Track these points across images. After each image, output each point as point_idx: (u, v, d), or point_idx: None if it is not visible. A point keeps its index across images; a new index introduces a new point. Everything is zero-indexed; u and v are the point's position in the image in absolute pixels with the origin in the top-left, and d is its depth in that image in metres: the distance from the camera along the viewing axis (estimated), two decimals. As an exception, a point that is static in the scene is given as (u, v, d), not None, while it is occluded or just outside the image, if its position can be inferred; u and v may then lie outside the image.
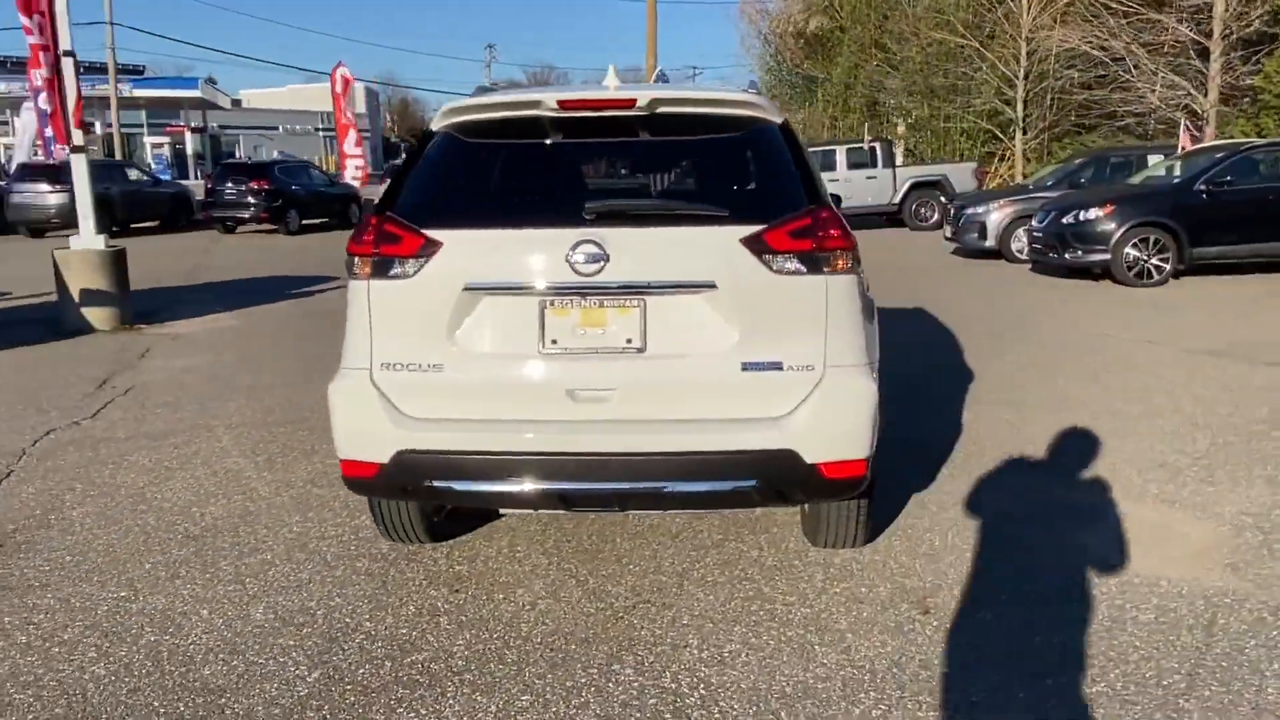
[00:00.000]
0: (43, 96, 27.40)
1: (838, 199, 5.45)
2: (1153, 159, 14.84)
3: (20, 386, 7.47)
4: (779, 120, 3.46)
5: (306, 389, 6.92)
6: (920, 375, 7.21)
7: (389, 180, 3.70)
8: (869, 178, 20.80)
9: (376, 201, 3.50)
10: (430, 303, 3.23)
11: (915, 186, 20.87)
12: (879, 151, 21.03)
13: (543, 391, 3.20)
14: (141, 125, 56.16)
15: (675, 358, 3.19)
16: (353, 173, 27.76)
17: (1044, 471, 4.97)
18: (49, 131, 27.56)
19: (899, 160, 26.82)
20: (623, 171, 3.45)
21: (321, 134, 60.15)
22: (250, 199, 23.07)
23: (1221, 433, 5.50)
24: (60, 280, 10.17)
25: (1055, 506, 4.46)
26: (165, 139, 54.63)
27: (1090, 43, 19.81)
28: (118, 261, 10.36)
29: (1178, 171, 13.17)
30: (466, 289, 3.20)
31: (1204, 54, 18.82)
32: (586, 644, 3.28)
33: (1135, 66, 19.44)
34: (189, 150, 54.15)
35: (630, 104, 3.32)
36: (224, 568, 3.97)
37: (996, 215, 14.72)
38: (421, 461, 3.23)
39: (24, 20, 9.62)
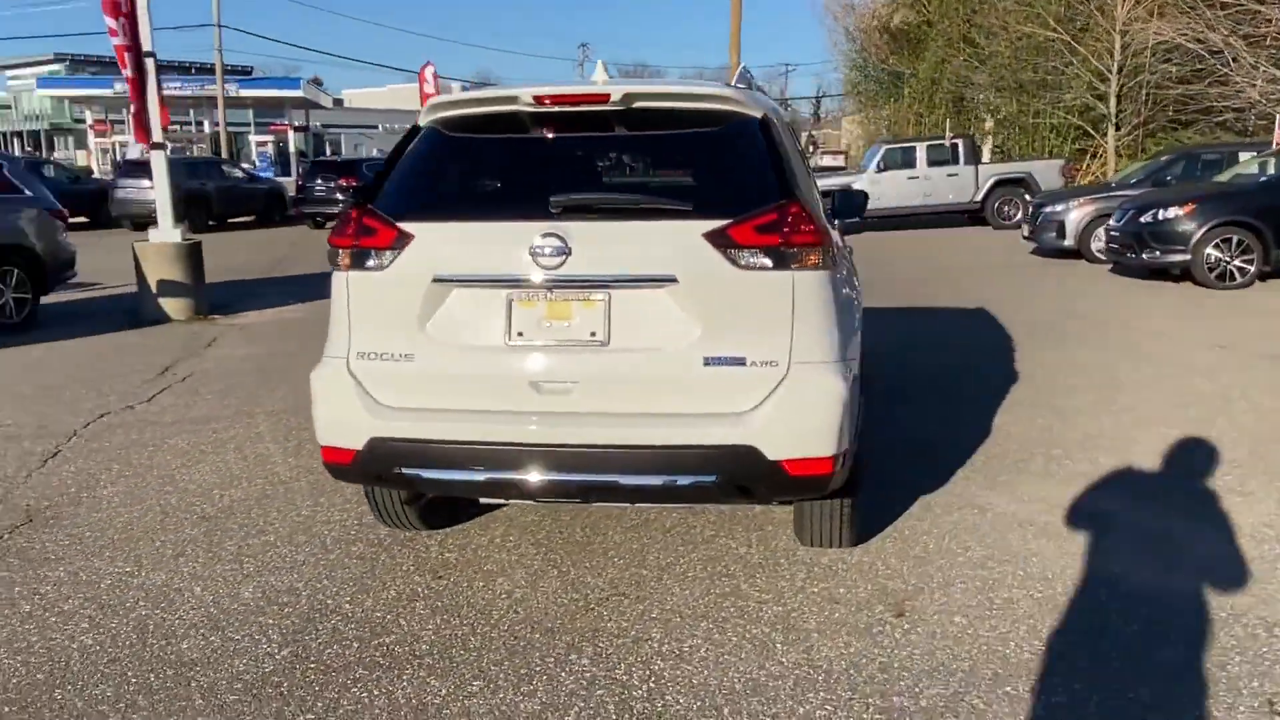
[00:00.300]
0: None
1: (862, 195, 5.39)
2: (1244, 156, 14.15)
3: (90, 371, 7.85)
4: (758, 115, 3.43)
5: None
6: (960, 376, 7.05)
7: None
8: (950, 175, 20.33)
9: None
10: (403, 294, 3.31)
11: (999, 184, 20.31)
12: (961, 148, 20.53)
13: (508, 383, 3.24)
14: (249, 124, 58.38)
15: (638, 351, 3.20)
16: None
17: (1063, 477, 4.82)
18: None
19: (986, 157, 26.20)
20: (597, 166, 3.46)
21: (418, 132, 61.34)
22: (338, 195, 23.78)
23: (1267, 443, 5.25)
24: (139, 272, 10.64)
25: (1064, 513, 4.33)
26: (269, 137, 56.56)
27: (1187, 35, 18.98)
28: (193, 254, 10.79)
29: (1271, 169, 12.56)
30: (436, 280, 3.27)
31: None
32: (551, 633, 3.31)
33: (1234, 60, 18.56)
34: (291, 148, 55.95)
35: (604, 99, 3.33)
36: (228, 547, 4.12)
37: (1076, 214, 14.24)
38: (393, 449, 3.31)
39: (109, 22, 10.07)
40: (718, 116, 3.42)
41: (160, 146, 10.77)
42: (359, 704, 2.90)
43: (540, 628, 3.36)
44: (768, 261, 3.15)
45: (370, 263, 3.35)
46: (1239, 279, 11.06)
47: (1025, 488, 4.67)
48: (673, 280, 3.15)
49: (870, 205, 23.03)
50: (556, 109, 3.40)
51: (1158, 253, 11.48)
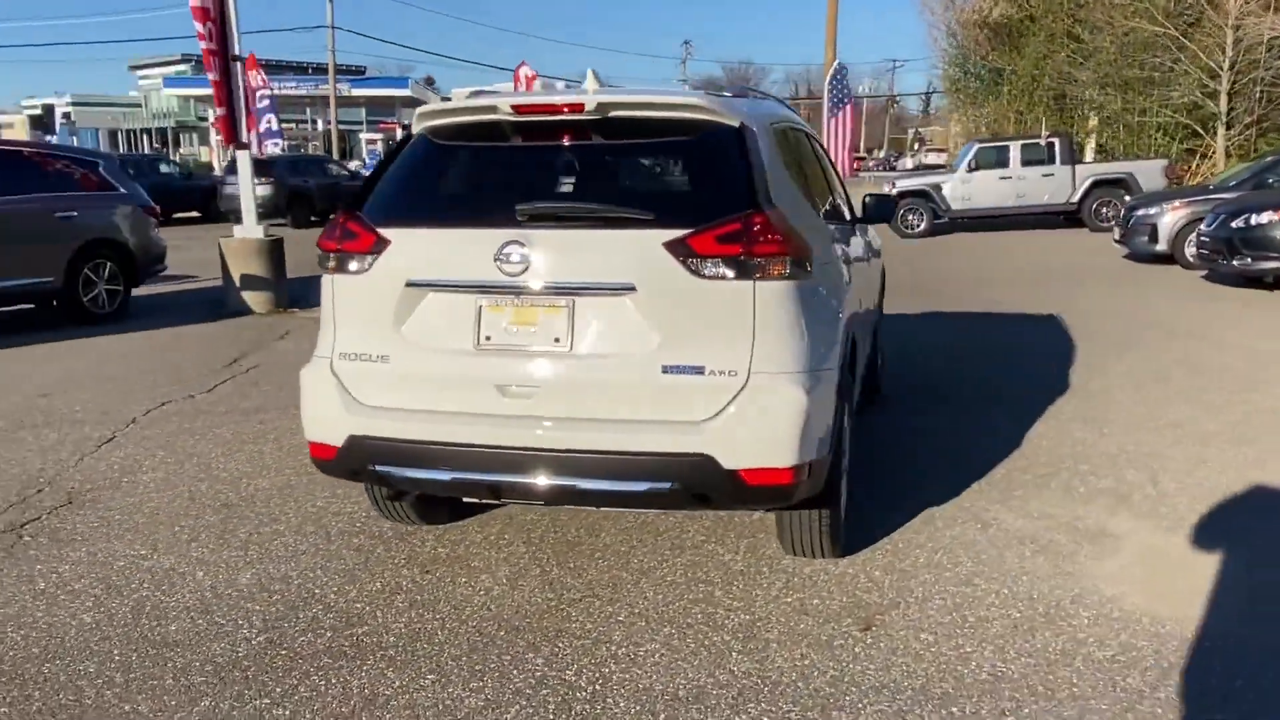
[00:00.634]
0: (260, 95, 29.60)
1: (892, 199, 5.32)
2: (1357, 157, 13.37)
3: (165, 361, 8.27)
4: (734, 124, 3.43)
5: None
6: (1008, 384, 6.87)
7: None
8: (1045, 175, 19.69)
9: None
10: (380, 297, 3.42)
11: (1097, 185, 19.57)
12: (1058, 147, 19.85)
13: (476, 386, 3.32)
14: (360, 122, 60.36)
15: (599, 358, 3.24)
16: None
17: (1084, 494, 4.67)
18: (269, 125, 29.75)
19: (1089, 157, 25.28)
20: (570, 175, 3.52)
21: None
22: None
23: (1312, 464, 4.99)
24: (224, 266, 11.15)
25: (1070, 532, 4.20)
26: (379, 135, 58.28)
27: (1305, 29, 18.00)
28: (275, 250, 11.25)
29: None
30: (409, 285, 3.37)
31: None
32: (515, 631, 3.39)
33: (1356, 55, 17.53)
34: (399, 145, 57.41)
35: (579, 108, 3.39)
36: (239, 534, 4.32)
37: (1169, 217, 13.65)
38: (368, 446, 3.43)
39: (197, 26, 10.55)
40: (691, 126, 3.43)
41: (244, 146, 11.25)
42: (315, 691, 3.02)
43: (507, 625, 3.43)
44: (729, 271, 3.16)
45: (352, 266, 3.48)
46: (1337, 289, 10.47)
47: (1039, 504, 4.55)
48: (631, 289, 3.18)
49: (960, 206, 22.57)
50: (533, 118, 3.47)
51: (1249, 259, 10.94)
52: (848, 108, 24.05)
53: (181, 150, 64.85)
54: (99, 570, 3.96)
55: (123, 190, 10.84)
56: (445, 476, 3.34)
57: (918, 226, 19.93)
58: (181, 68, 66.79)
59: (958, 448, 5.42)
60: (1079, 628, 3.35)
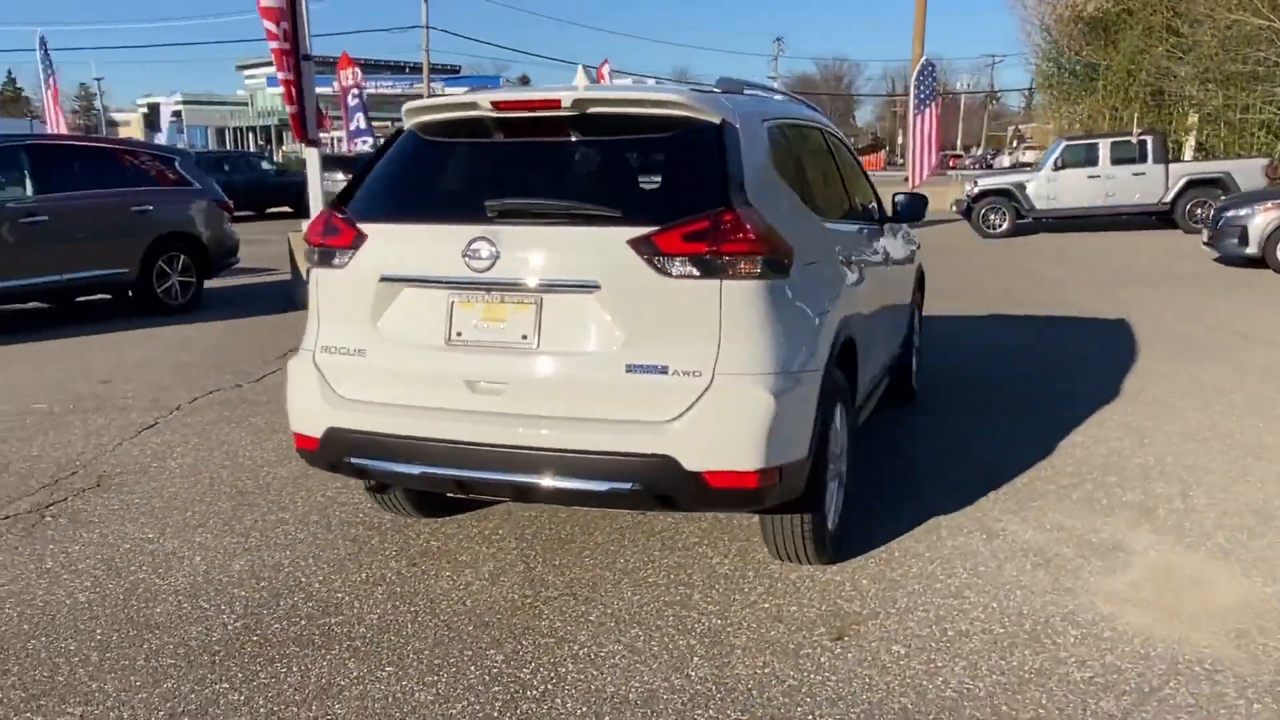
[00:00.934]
0: (352, 94, 30.22)
1: (923, 199, 5.19)
2: None
3: (224, 351, 8.54)
4: (715, 120, 3.36)
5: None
6: (1054, 390, 6.62)
7: None
8: (1136, 174, 18.92)
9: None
10: (358, 291, 3.46)
11: (1191, 184, 18.73)
12: (1150, 144, 19.06)
13: (446, 381, 3.33)
14: (453, 120, 61.25)
15: (565, 355, 3.22)
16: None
17: (1105, 506, 4.46)
18: (358, 123, 30.37)
19: (1188, 155, 24.23)
20: (546, 171, 3.49)
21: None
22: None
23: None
24: (292, 260, 11.45)
25: (1081, 545, 4.02)
26: (470, 132, 59.13)
27: None
28: (340, 244, 11.49)
29: None
30: (383, 280, 3.40)
31: None
32: (483, 627, 3.39)
33: None
34: (487, 142, 58.21)
35: (557, 104, 3.37)
36: (245, 522, 4.42)
37: (1261, 219, 12.98)
38: (345, 438, 3.47)
39: (268, 26, 10.83)
40: (670, 122, 3.38)
41: (315, 143, 11.51)
42: (274, 678, 3.07)
43: (477, 621, 3.44)
44: (695, 270, 3.10)
45: (334, 260, 3.53)
46: None
47: (1055, 515, 4.37)
48: (595, 286, 3.15)
49: (1045, 206, 21.93)
50: (512, 114, 3.46)
51: (1342, 264, 10.33)
52: (935, 104, 23.54)
53: (284, 147, 66.88)
54: (105, 552, 4.10)
55: (197, 185, 11.22)
56: (415, 470, 3.36)
57: (1000, 226, 19.38)
58: (284, 68, 68.79)
59: (983, 453, 5.25)
60: (1062, 646, 3.21)
